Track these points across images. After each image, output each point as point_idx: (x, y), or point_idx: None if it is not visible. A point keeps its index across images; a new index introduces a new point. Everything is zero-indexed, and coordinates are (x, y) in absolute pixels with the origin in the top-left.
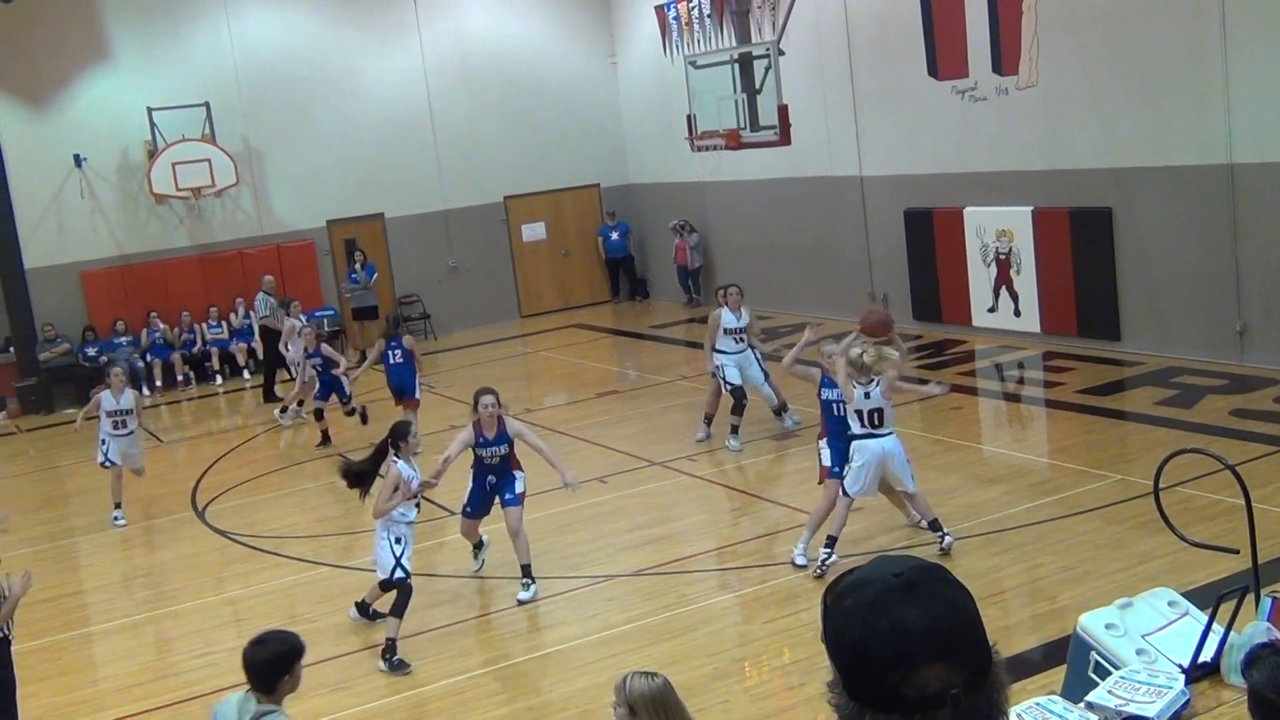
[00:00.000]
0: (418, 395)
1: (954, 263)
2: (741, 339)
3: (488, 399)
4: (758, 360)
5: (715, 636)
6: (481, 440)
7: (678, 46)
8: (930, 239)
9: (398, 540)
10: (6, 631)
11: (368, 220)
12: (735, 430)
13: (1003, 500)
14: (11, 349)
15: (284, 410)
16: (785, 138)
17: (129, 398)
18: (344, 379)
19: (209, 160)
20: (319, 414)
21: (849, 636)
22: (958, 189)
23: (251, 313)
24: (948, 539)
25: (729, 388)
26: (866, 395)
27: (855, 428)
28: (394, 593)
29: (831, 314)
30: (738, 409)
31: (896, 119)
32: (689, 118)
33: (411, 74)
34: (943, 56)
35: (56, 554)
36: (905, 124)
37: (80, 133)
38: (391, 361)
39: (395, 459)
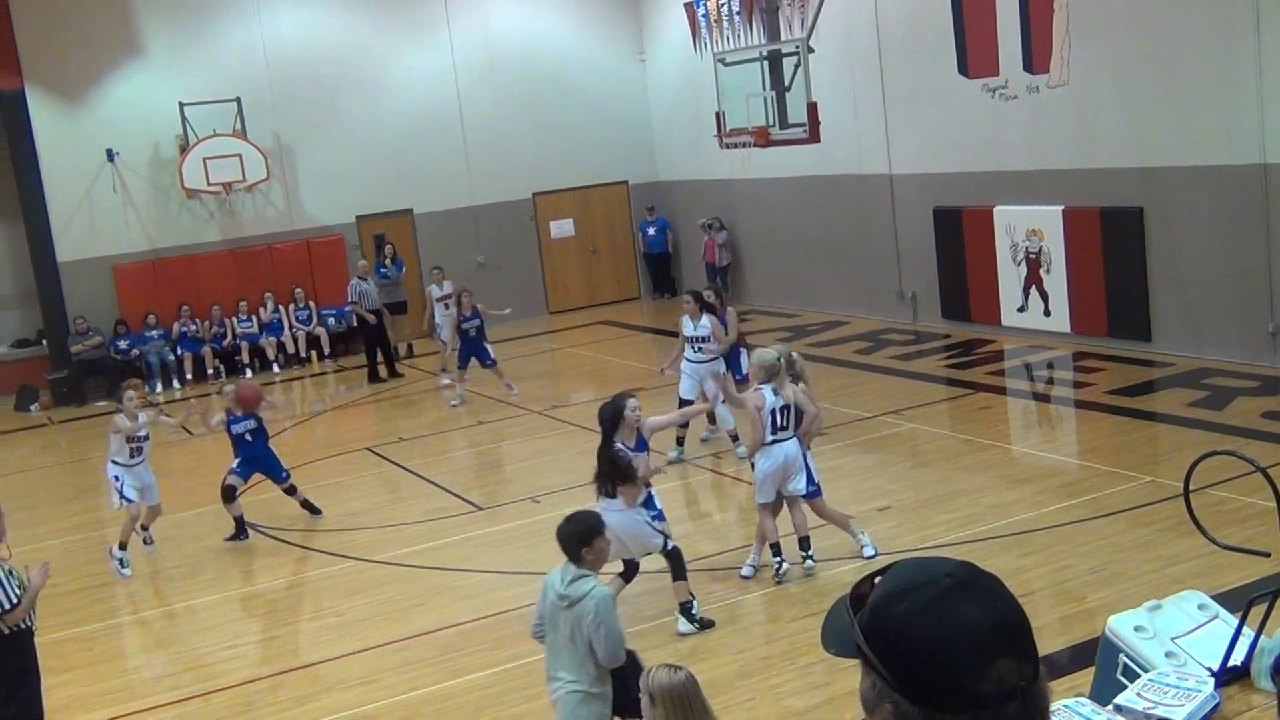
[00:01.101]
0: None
1: (983, 262)
2: (701, 348)
3: (634, 401)
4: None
5: (740, 634)
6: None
7: (707, 43)
8: (960, 238)
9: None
10: (29, 623)
11: (397, 216)
12: (680, 441)
13: (1031, 501)
14: (44, 341)
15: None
16: (814, 135)
17: (145, 418)
18: (488, 344)
19: (240, 155)
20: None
21: (913, 641)
22: (988, 187)
23: (352, 304)
24: (784, 566)
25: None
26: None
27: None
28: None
29: (859, 313)
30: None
31: (926, 117)
32: (718, 115)
33: (441, 70)
34: (973, 54)
35: (87, 545)
36: (935, 122)
37: (113, 128)
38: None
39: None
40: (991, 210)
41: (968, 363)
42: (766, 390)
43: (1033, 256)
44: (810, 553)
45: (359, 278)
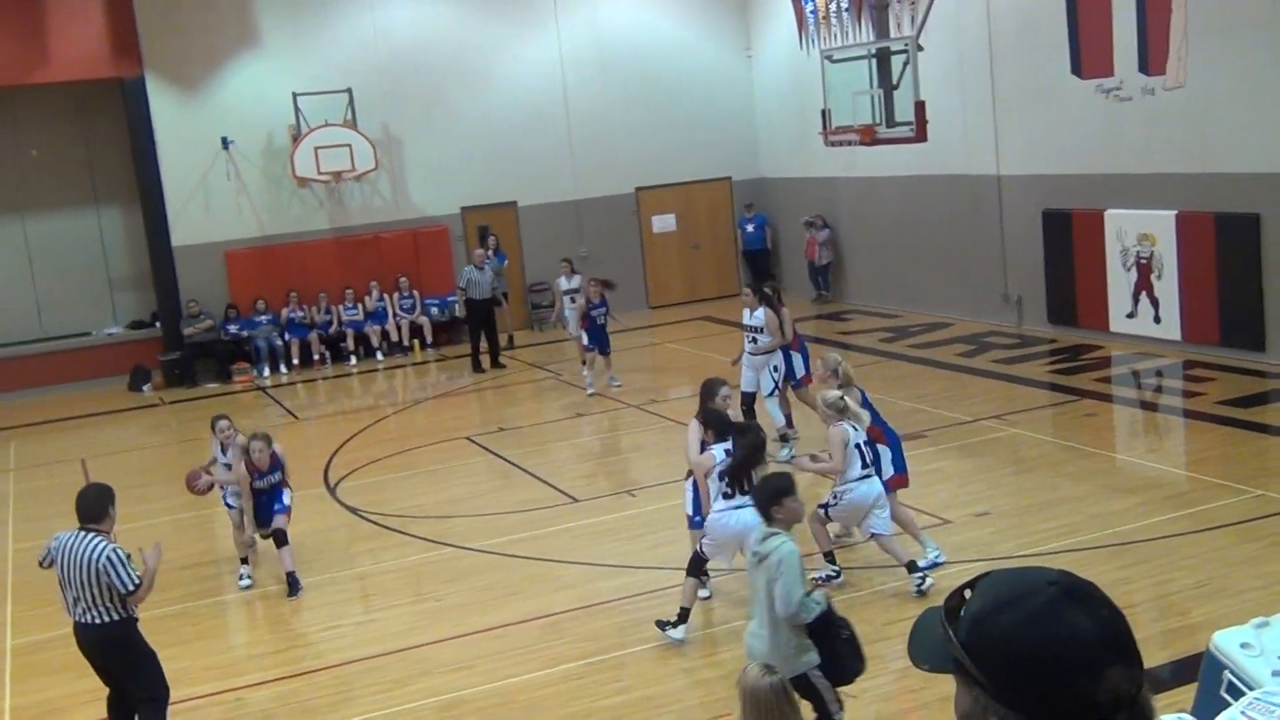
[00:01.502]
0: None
1: (1092, 266)
2: (756, 339)
3: (725, 389)
4: (780, 369)
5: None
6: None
7: (814, 40)
8: (1069, 241)
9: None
10: (132, 612)
11: (501, 208)
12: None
13: (1135, 511)
14: (157, 323)
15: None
16: (921, 134)
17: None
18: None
19: (350, 145)
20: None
21: (1022, 651)
22: (1099, 190)
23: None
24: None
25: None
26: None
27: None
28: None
29: (963, 315)
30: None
31: (1037, 117)
32: (823, 112)
33: (548, 64)
34: (1087, 54)
35: (195, 523)
36: (1046, 123)
37: (228, 116)
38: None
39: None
40: (1102, 213)
41: (1073, 368)
42: (845, 426)
43: (1144, 261)
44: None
45: (474, 265)
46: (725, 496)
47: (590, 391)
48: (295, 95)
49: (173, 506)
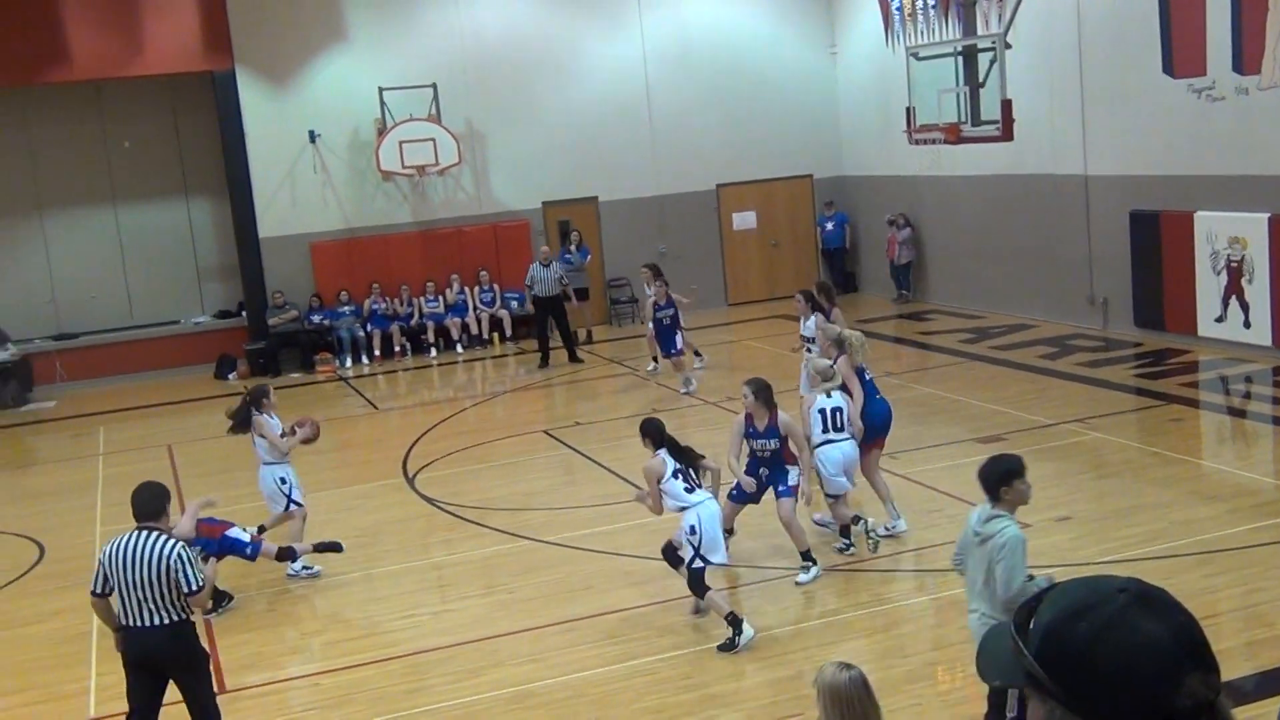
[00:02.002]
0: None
1: (1181, 269)
2: (811, 348)
3: (745, 388)
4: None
5: (909, 638)
6: (751, 431)
7: (900, 37)
8: (1156, 243)
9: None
10: (188, 614)
11: (582, 203)
12: None
13: (1221, 519)
14: (243, 313)
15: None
16: (1008, 133)
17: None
18: (680, 331)
19: (434, 140)
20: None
21: (1098, 660)
22: (1189, 192)
23: (525, 289)
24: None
25: None
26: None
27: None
28: None
29: (1046, 317)
30: None
31: (1126, 117)
32: (908, 110)
33: (631, 60)
34: (1179, 53)
35: None
36: (1135, 122)
37: (316, 110)
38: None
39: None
40: (1192, 215)
41: (1159, 373)
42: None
43: (1234, 265)
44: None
45: (539, 262)
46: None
47: (685, 390)
48: (381, 90)
49: (254, 494)
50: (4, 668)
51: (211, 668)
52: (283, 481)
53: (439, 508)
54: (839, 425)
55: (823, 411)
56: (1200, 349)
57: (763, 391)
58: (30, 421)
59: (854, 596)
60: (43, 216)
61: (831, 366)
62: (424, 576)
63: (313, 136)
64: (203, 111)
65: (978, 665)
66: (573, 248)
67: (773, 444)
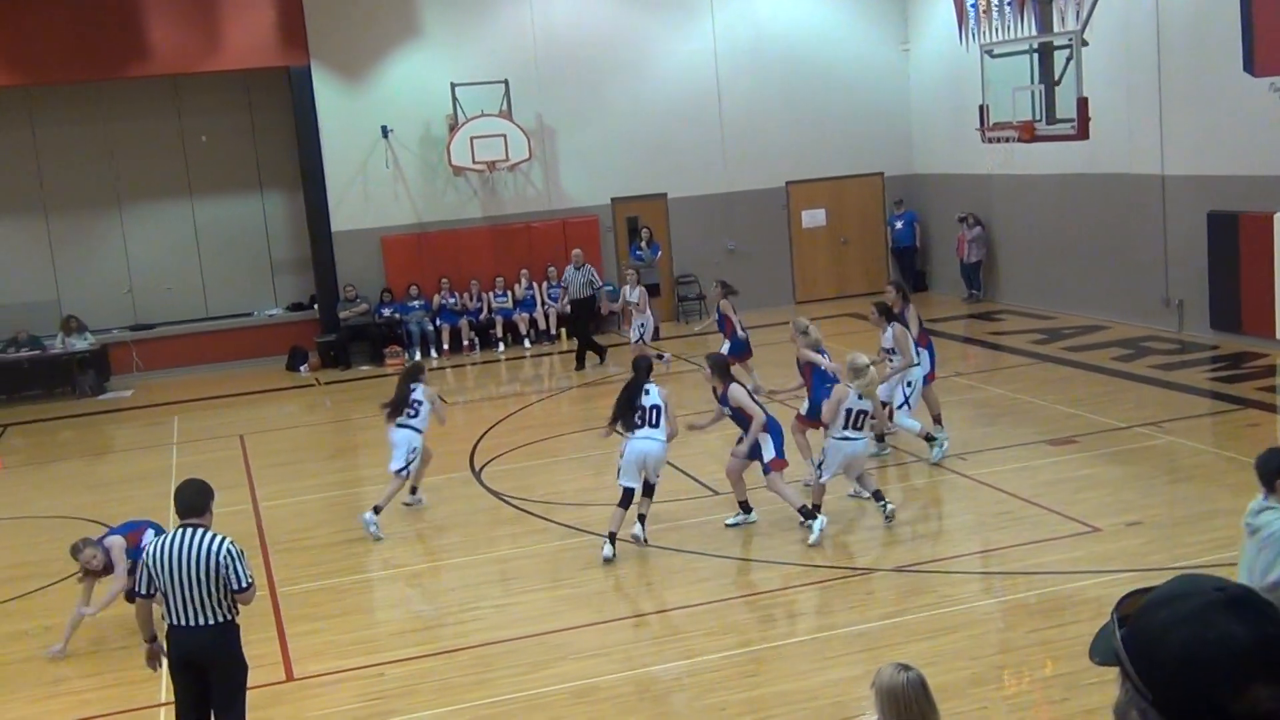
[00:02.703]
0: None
1: (1260, 271)
2: (890, 361)
3: (704, 361)
4: (915, 385)
5: (975, 641)
6: (720, 398)
7: (974, 34)
8: (1235, 244)
9: None
10: (234, 615)
11: (651, 199)
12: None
13: None
14: (315, 306)
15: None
16: (1083, 132)
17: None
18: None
19: (505, 135)
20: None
21: (1169, 650)
22: (1270, 192)
23: (561, 286)
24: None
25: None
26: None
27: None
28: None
29: (1120, 318)
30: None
31: (1205, 116)
32: (981, 108)
33: (702, 56)
34: (1261, 51)
35: (345, 501)
36: (1215, 121)
37: (389, 105)
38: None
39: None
40: (1272, 216)
41: (1236, 376)
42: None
43: None
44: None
45: (572, 265)
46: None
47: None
48: (453, 85)
49: (324, 484)
50: (78, 651)
51: (247, 681)
52: (413, 451)
53: (505, 501)
54: (859, 425)
55: (849, 410)
56: (1278, 353)
57: (717, 366)
58: (108, 410)
59: (920, 598)
60: (121, 209)
61: (869, 367)
62: (488, 570)
63: (385, 132)
64: (278, 106)
65: (1091, 643)
66: (643, 244)
67: (727, 410)
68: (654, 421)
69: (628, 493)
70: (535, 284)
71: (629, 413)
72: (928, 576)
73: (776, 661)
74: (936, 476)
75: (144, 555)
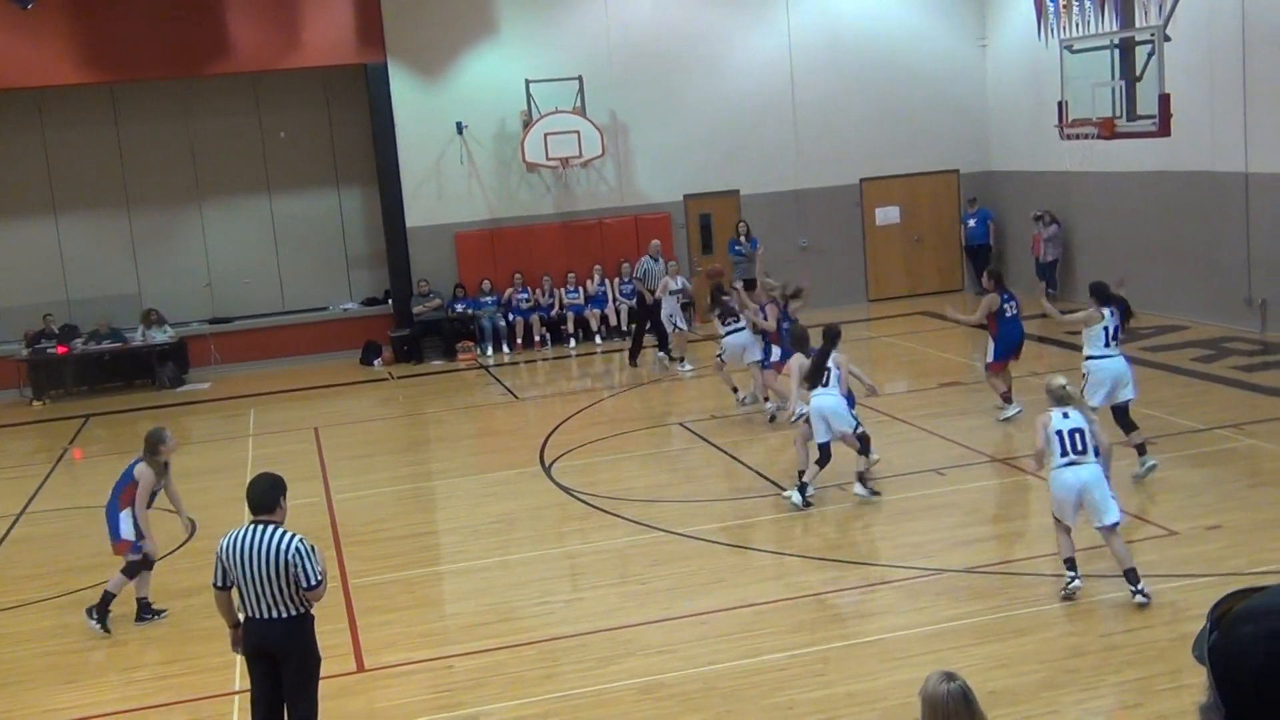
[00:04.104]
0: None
1: None
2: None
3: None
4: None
5: (1047, 644)
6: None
7: (1054, 29)
8: None
9: None
10: (307, 609)
11: (724, 196)
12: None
13: None
14: (389, 301)
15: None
16: (1165, 129)
17: None
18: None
19: (578, 132)
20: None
21: (1249, 665)
22: None
23: (636, 280)
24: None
25: None
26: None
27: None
28: None
29: (1200, 318)
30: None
31: None
32: (1060, 104)
33: (777, 52)
34: None
35: (417, 494)
36: None
37: (464, 102)
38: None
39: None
40: None
41: None
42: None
43: None
44: (1140, 586)
45: (650, 257)
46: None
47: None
48: (528, 82)
49: (396, 478)
50: (155, 639)
51: (320, 672)
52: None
53: (574, 496)
54: (828, 383)
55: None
56: None
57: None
58: (186, 402)
59: (988, 600)
60: (201, 205)
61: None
62: (557, 564)
63: (460, 128)
64: (355, 103)
65: (1195, 638)
66: (742, 238)
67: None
68: (827, 383)
69: (823, 449)
70: (608, 280)
71: (816, 375)
72: (999, 578)
73: (844, 661)
74: (1008, 477)
75: (218, 549)
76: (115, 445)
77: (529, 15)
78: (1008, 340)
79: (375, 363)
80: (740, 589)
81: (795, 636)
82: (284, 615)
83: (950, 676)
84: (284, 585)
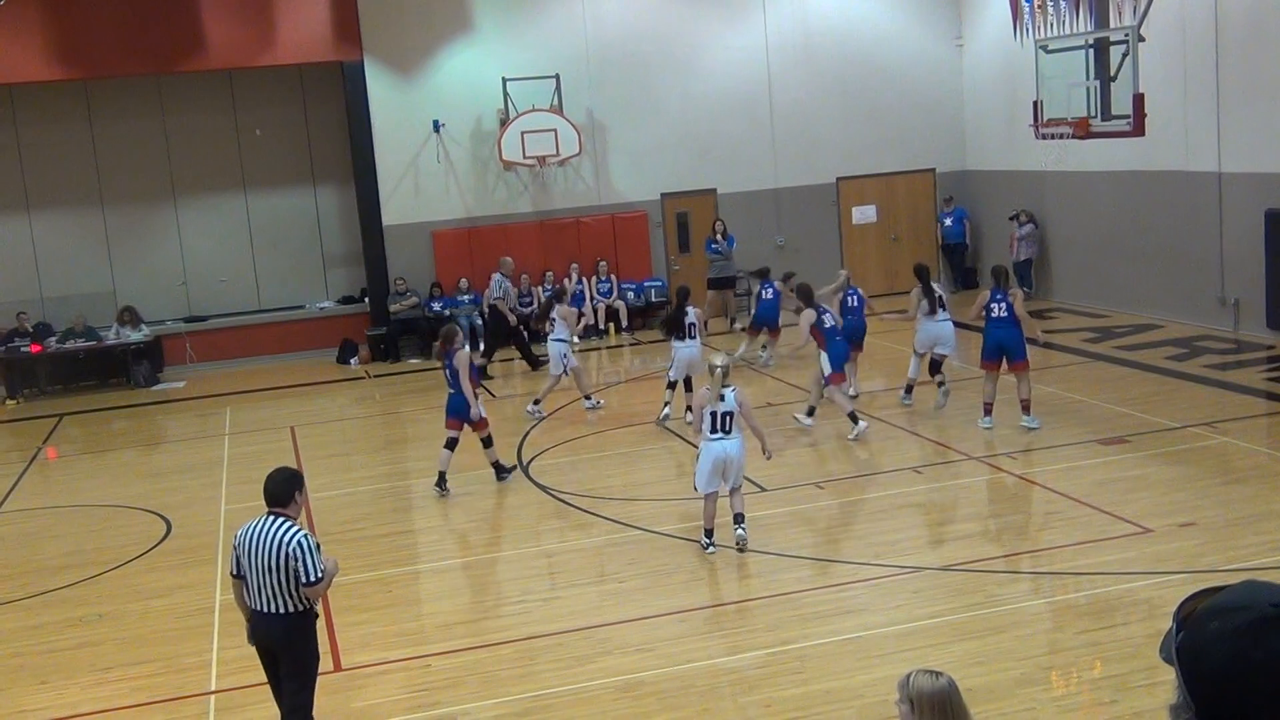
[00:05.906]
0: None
1: None
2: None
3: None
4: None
5: (1023, 641)
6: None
7: (1029, 29)
8: None
9: None
10: (313, 605)
11: (700, 195)
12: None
13: None
14: (366, 299)
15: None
16: (1139, 128)
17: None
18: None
19: (555, 130)
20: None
21: (1213, 662)
22: None
23: (484, 293)
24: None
25: None
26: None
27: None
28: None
29: (1174, 317)
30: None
31: (1265, 113)
32: (1035, 104)
33: (753, 51)
34: None
35: (393, 493)
36: (1273, 118)
37: (440, 100)
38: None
39: None
40: None
41: None
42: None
43: None
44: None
45: (501, 274)
46: None
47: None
48: (505, 80)
49: (372, 476)
50: (130, 639)
51: (318, 670)
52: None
53: (552, 495)
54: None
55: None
56: None
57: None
58: (161, 401)
59: (968, 597)
60: (176, 202)
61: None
62: (534, 563)
63: (437, 126)
64: (331, 101)
65: (1162, 638)
66: (718, 237)
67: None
68: (692, 335)
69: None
70: (584, 278)
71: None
72: (975, 576)
73: (822, 659)
74: (983, 475)
75: (234, 538)
76: (89, 444)
77: (506, 13)
78: (986, 339)
79: (352, 361)
80: (718, 587)
81: (773, 634)
82: (282, 610)
83: (936, 673)
84: (284, 579)
